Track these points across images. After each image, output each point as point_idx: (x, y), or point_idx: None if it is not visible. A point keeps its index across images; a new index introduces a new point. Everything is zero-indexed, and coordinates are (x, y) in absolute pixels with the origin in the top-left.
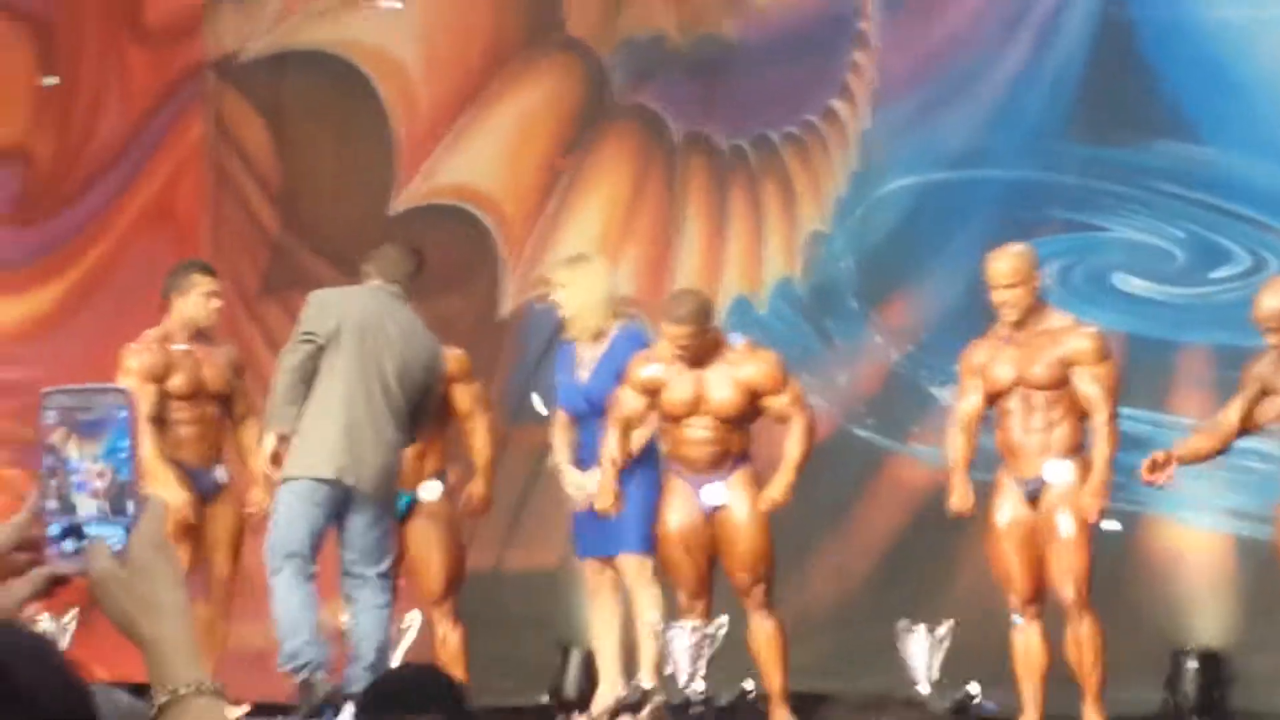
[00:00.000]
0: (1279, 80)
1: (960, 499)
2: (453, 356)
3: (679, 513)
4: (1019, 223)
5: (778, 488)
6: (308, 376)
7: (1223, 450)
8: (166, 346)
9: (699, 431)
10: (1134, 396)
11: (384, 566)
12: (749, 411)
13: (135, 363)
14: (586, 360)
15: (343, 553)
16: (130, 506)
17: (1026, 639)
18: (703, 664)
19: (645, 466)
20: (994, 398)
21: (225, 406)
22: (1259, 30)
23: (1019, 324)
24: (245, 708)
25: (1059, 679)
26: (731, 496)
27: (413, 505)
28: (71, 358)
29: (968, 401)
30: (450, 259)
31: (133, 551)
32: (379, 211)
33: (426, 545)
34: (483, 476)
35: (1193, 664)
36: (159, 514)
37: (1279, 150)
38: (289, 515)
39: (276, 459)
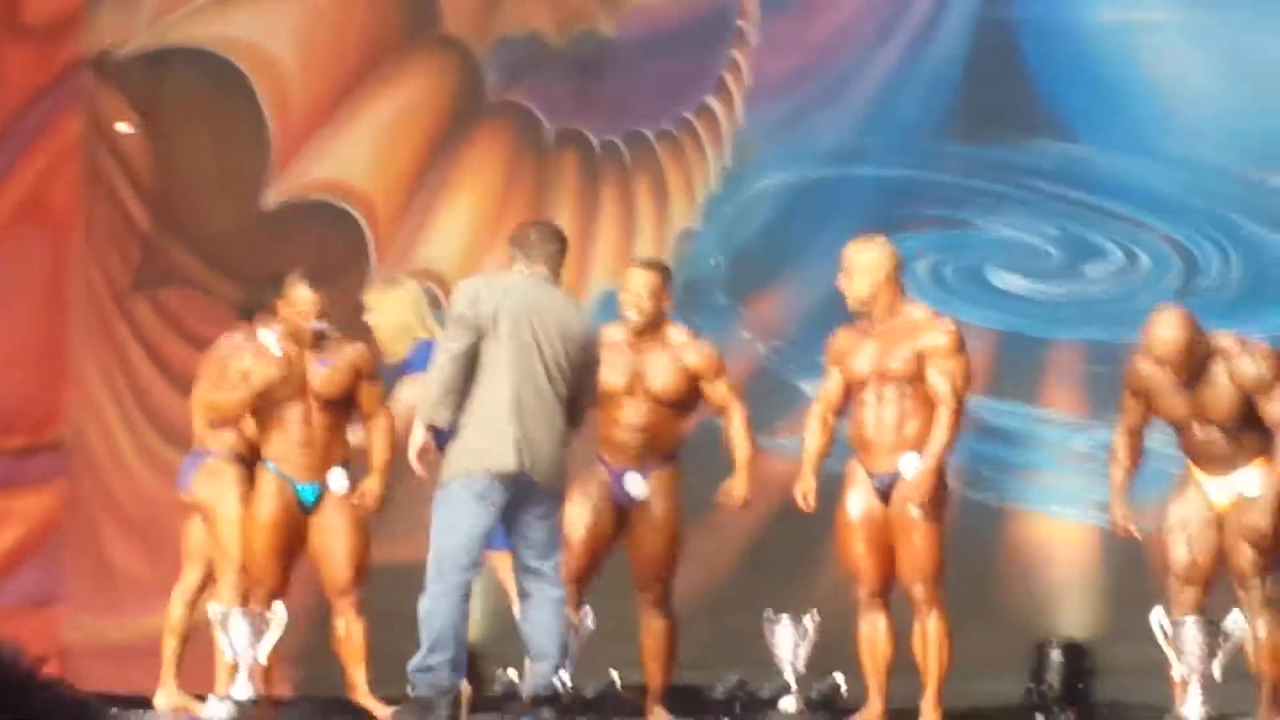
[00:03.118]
0: (1154, 81)
1: (802, 490)
2: (361, 353)
3: (587, 506)
4: (892, 220)
5: (740, 484)
6: (470, 365)
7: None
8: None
9: (633, 416)
10: (1007, 391)
11: (557, 559)
12: (687, 397)
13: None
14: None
15: (517, 546)
16: None
17: (872, 630)
18: (569, 652)
19: None
20: (851, 388)
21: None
22: (1135, 32)
23: (875, 317)
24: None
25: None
26: (652, 492)
27: (321, 495)
28: None
29: (827, 388)
30: (321, 254)
31: None
32: (253, 209)
33: (333, 535)
34: (378, 475)
35: (1057, 655)
36: None
37: (1153, 149)
38: (465, 519)
39: (425, 453)
